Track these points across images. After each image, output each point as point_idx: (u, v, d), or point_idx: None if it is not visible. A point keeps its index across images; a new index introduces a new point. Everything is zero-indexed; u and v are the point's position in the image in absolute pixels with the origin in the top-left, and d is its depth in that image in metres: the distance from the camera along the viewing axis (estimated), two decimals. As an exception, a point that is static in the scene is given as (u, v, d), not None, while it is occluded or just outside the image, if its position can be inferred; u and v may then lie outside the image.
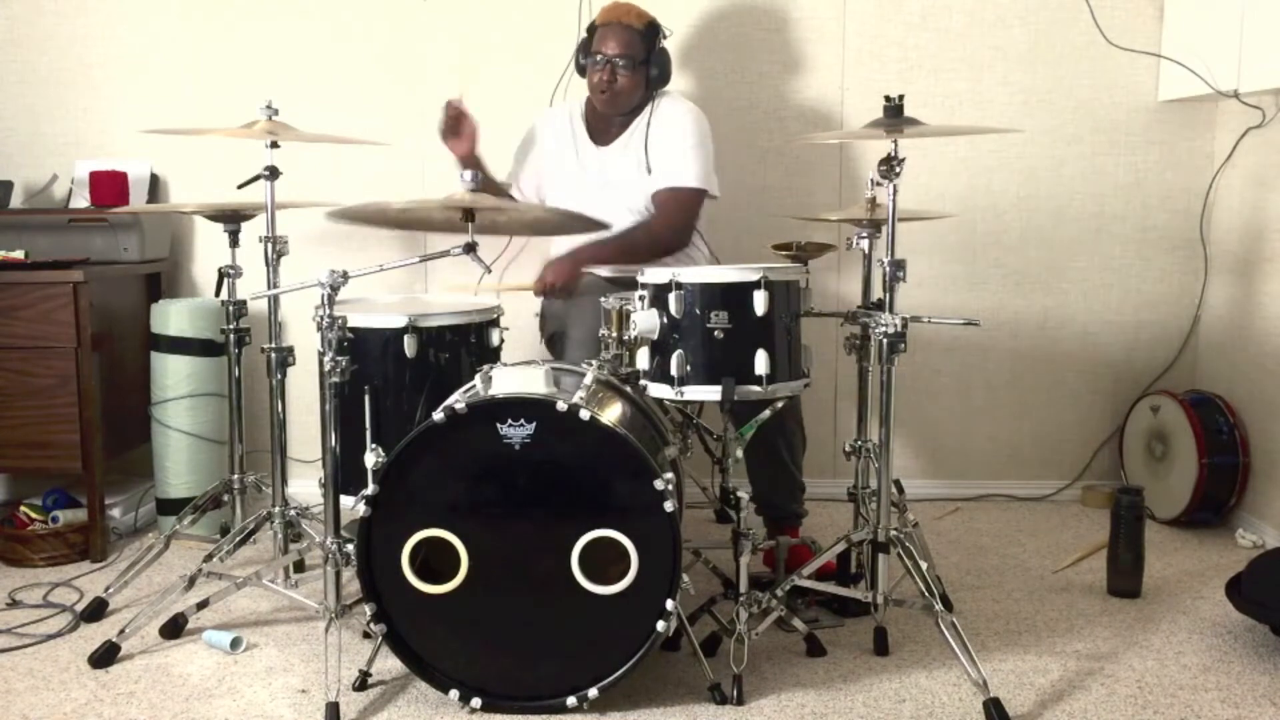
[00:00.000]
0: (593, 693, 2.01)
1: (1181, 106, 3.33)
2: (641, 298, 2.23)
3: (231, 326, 2.60)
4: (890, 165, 2.14)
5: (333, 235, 3.29)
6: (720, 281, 2.19)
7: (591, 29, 2.86)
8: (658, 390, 2.23)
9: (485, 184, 2.64)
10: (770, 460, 2.66)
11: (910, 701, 2.11)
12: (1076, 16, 3.30)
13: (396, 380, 2.32)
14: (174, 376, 3.06)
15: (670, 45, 2.90)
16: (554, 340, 2.78)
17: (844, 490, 2.64)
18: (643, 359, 2.24)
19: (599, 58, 2.79)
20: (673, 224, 2.79)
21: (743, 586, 2.13)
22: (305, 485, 3.13)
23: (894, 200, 2.17)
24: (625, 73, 2.79)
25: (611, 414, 2.07)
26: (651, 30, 2.83)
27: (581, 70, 2.90)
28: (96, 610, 2.53)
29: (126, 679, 2.22)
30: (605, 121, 2.91)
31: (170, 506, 3.06)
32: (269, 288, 2.41)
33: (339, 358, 2.06)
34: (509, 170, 3.00)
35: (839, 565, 2.53)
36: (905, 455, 3.48)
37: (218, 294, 2.60)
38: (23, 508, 2.99)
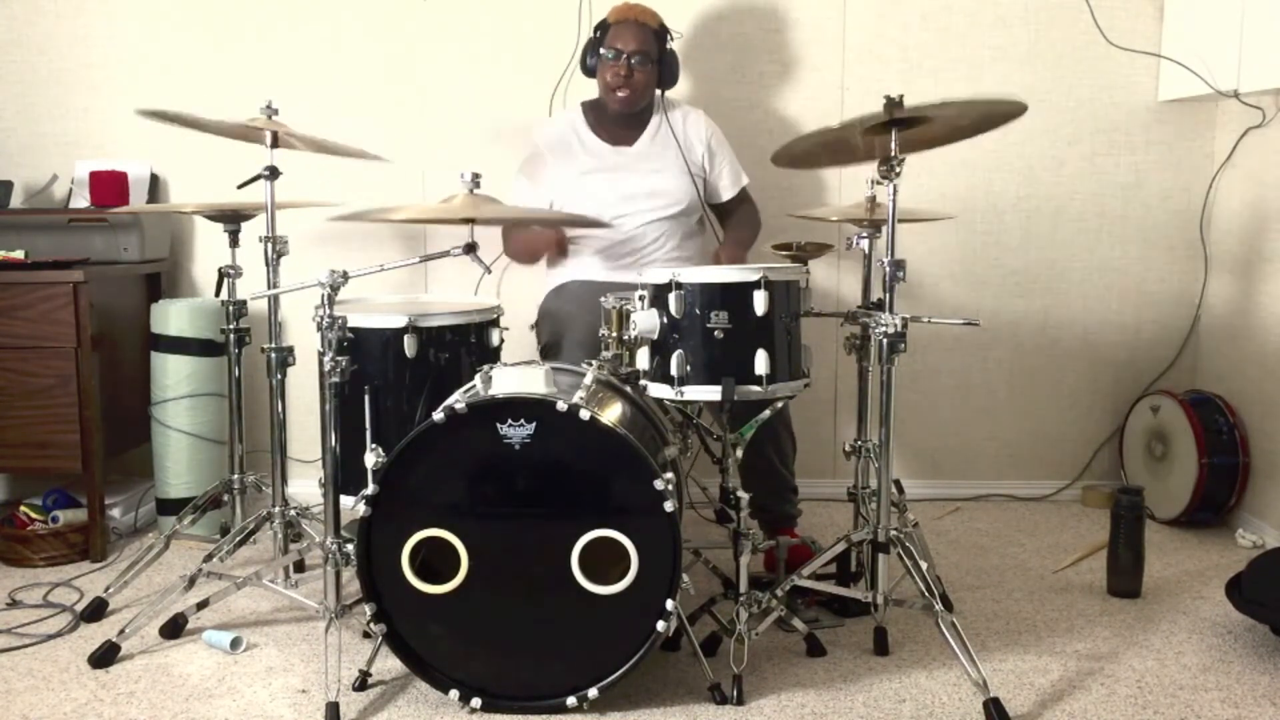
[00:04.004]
0: (593, 693, 2.01)
1: (1181, 106, 3.33)
2: (641, 298, 2.23)
3: (231, 326, 2.60)
4: (890, 165, 2.14)
5: (333, 235, 3.30)
6: (720, 281, 2.18)
7: (602, 28, 2.88)
8: (658, 390, 2.22)
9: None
10: (759, 464, 2.67)
11: (910, 701, 2.11)
12: (1076, 16, 3.30)
13: (396, 380, 2.32)
14: (174, 376, 3.06)
15: (672, 45, 2.92)
16: (548, 351, 2.79)
17: (844, 490, 2.65)
18: (643, 359, 2.24)
19: (613, 53, 2.81)
20: (758, 216, 3.11)
21: (743, 586, 2.13)
22: (305, 485, 3.13)
23: (894, 200, 2.17)
24: (642, 69, 2.83)
25: (611, 414, 2.07)
26: (663, 30, 2.89)
27: (590, 71, 2.91)
28: (96, 610, 2.53)
29: (126, 679, 2.22)
30: (615, 124, 2.93)
31: (170, 506, 3.06)
32: (269, 288, 2.41)
33: (339, 358, 2.07)
34: (514, 186, 2.97)
35: (839, 565, 2.52)
36: (905, 455, 3.48)
37: (218, 294, 2.60)
38: (23, 508, 2.98)
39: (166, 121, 2.44)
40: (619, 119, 2.92)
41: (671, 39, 2.91)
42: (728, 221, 3.07)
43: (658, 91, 2.94)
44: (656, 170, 2.91)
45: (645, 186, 2.89)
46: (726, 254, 2.86)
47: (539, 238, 2.91)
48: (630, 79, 2.82)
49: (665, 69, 2.89)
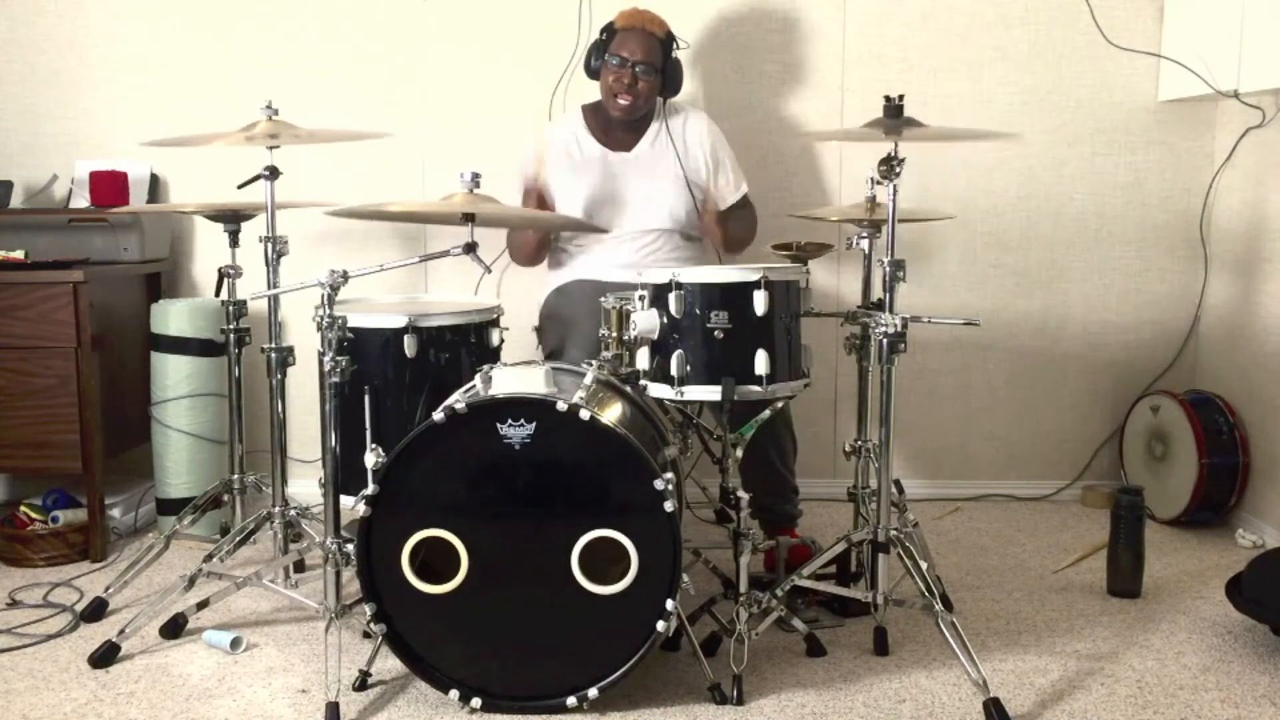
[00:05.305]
0: (593, 693, 2.01)
1: (1181, 106, 3.33)
2: (641, 298, 2.23)
3: (231, 326, 2.60)
4: (890, 165, 2.14)
5: (333, 235, 3.30)
6: (720, 281, 2.19)
7: (608, 31, 2.86)
8: (658, 390, 2.22)
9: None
10: (760, 464, 2.66)
11: (910, 701, 2.11)
12: (1076, 16, 3.30)
13: (396, 380, 2.32)
14: (174, 376, 3.06)
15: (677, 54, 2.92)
16: (553, 356, 2.77)
17: (844, 490, 2.65)
18: (643, 359, 2.24)
19: (619, 60, 2.80)
20: (756, 221, 3.07)
21: (743, 586, 2.13)
22: (305, 485, 3.12)
23: (894, 200, 2.17)
24: (646, 78, 2.81)
25: (611, 414, 2.07)
26: (669, 39, 2.87)
27: (594, 73, 2.89)
28: (96, 610, 2.53)
29: (126, 679, 2.22)
30: (615, 128, 2.92)
31: (170, 506, 3.06)
32: (269, 288, 2.41)
33: (339, 358, 2.06)
34: (513, 184, 2.97)
35: (839, 565, 2.52)
36: (905, 455, 3.48)
37: (218, 294, 2.60)
38: (23, 508, 2.98)
39: (170, 145, 2.45)
40: (618, 124, 2.91)
41: (678, 47, 2.89)
42: (724, 225, 3.02)
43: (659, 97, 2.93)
44: (653, 178, 2.89)
45: (641, 194, 2.88)
46: (710, 221, 2.89)
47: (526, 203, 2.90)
48: (634, 87, 2.80)
49: (668, 77, 2.88)
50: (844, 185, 3.39)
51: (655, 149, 2.91)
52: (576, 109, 3.01)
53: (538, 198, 2.92)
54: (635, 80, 2.80)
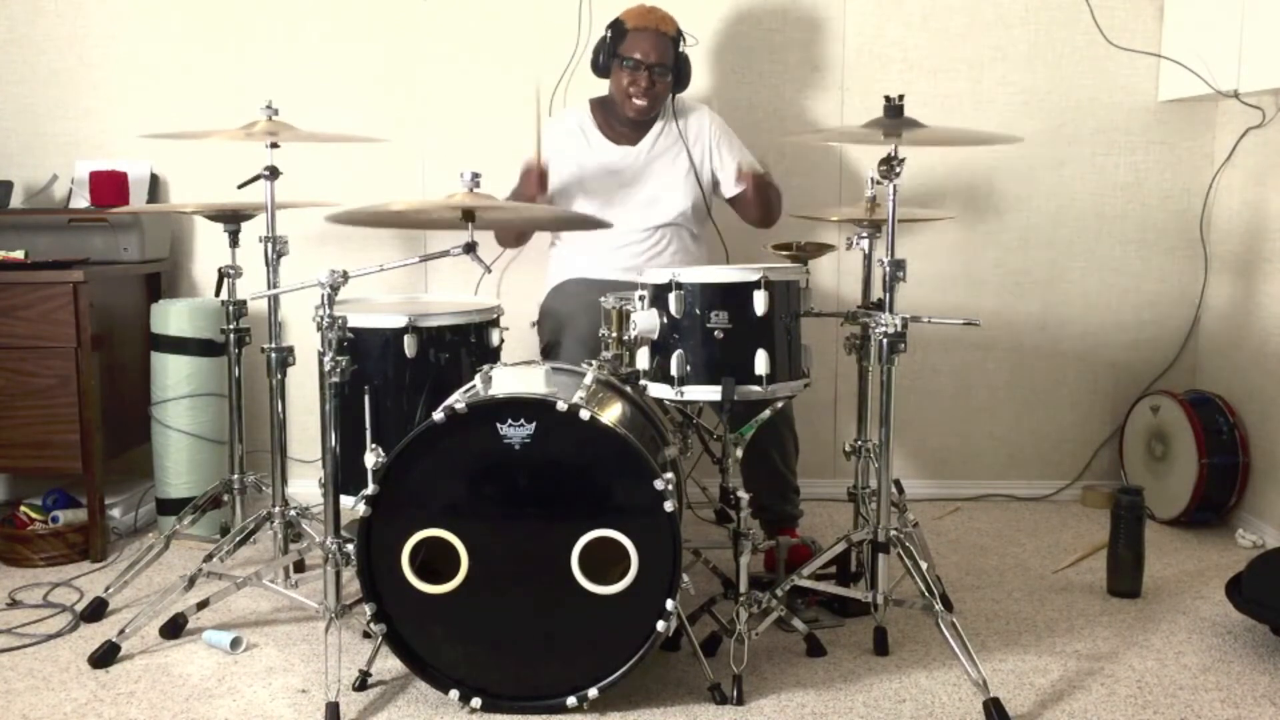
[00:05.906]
0: (593, 693, 2.01)
1: (1181, 106, 3.33)
2: (641, 298, 2.23)
3: (231, 326, 2.60)
4: (890, 165, 2.14)
5: (333, 235, 3.29)
6: (720, 281, 2.19)
7: (618, 28, 2.83)
8: (658, 390, 2.23)
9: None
10: (761, 465, 2.66)
11: (910, 701, 2.11)
12: (1076, 16, 3.30)
13: (396, 380, 2.32)
14: (174, 376, 3.06)
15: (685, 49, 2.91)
16: (549, 350, 2.78)
17: (844, 490, 2.65)
18: (643, 359, 2.24)
19: (633, 63, 2.79)
20: (780, 194, 2.99)
21: (743, 586, 2.12)
22: (305, 485, 3.13)
23: (894, 200, 2.17)
24: (662, 79, 2.81)
25: (611, 414, 2.07)
26: (679, 37, 2.86)
27: (602, 70, 2.88)
28: (96, 610, 2.53)
29: (126, 679, 2.22)
30: (622, 124, 2.91)
31: (170, 506, 3.06)
32: (269, 288, 2.41)
33: (339, 358, 2.06)
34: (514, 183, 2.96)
35: (839, 565, 2.52)
36: (905, 455, 3.48)
37: (218, 294, 2.60)
38: (23, 508, 2.98)
39: (168, 138, 2.45)
40: (627, 121, 2.90)
41: (685, 44, 2.89)
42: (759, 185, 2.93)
43: None
44: (660, 173, 2.89)
45: (648, 189, 2.88)
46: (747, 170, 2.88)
47: (523, 193, 2.83)
48: (651, 90, 2.80)
49: (679, 74, 2.87)
50: (844, 185, 3.39)
51: (661, 145, 2.91)
52: (584, 102, 2.99)
53: (539, 175, 2.81)
54: (653, 83, 2.79)
